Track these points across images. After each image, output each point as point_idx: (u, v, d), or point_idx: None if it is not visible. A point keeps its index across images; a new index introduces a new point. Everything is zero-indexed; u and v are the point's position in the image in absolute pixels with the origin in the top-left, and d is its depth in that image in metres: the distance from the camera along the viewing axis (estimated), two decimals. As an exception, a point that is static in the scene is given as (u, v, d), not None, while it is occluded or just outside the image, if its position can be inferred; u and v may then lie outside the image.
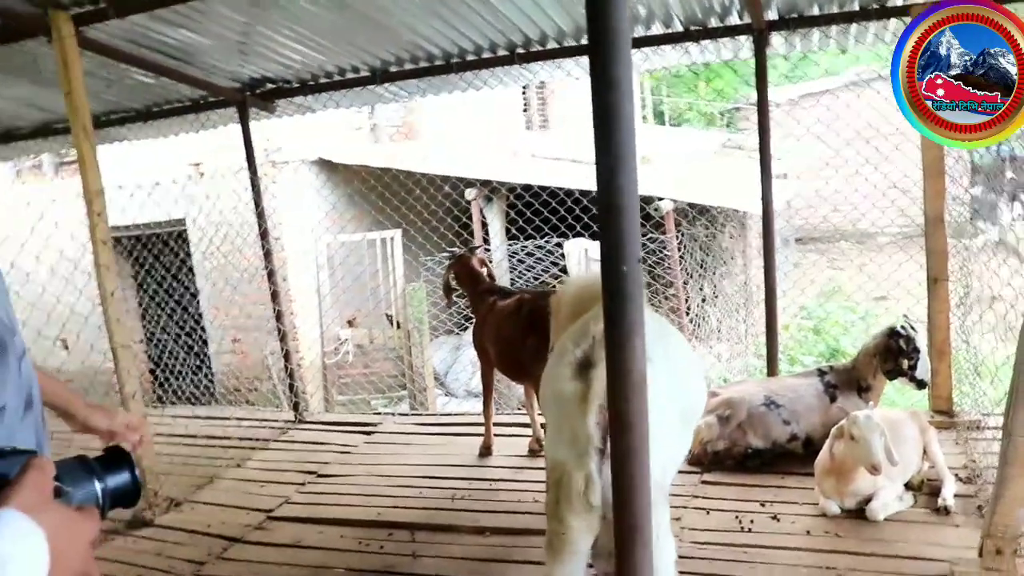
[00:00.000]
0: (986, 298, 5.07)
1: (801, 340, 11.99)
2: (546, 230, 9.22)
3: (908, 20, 4.84)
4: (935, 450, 4.32)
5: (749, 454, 4.78)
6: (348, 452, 5.97)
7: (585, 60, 5.74)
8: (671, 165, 11.41)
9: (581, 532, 2.77)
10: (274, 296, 6.61)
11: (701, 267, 11.07)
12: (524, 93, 16.02)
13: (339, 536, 4.62)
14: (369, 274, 10.30)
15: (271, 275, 6.56)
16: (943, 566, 3.52)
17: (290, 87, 6.25)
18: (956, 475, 4.31)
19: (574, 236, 9.41)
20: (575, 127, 15.42)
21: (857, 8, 5.04)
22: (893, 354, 4.74)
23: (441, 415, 7.16)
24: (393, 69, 5.96)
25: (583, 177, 9.05)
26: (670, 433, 2.84)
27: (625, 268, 1.72)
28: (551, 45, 5.64)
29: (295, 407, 6.80)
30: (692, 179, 10.61)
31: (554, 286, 5.86)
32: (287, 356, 6.78)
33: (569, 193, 9.03)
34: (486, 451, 5.56)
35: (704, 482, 4.71)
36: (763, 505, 4.36)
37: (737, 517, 4.24)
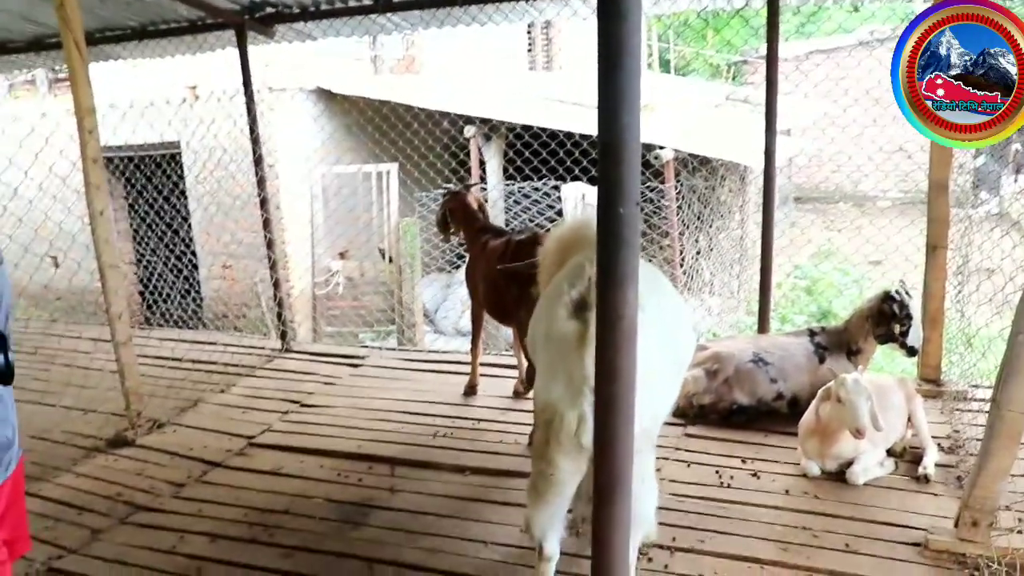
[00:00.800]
0: (984, 269, 5.03)
1: (793, 299, 12.00)
2: (544, 172, 9.11)
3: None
4: (920, 418, 4.32)
5: (734, 410, 4.78)
6: (333, 383, 5.96)
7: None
8: (675, 114, 11.27)
9: (569, 473, 2.78)
10: (266, 224, 6.52)
11: (698, 219, 10.99)
12: (529, 32, 15.74)
13: (319, 466, 4.63)
14: (363, 207, 10.20)
15: (264, 203, 6.46)
16: (918, 534, 3.54)
17: (290, 12, 6.06)
18: (939, 444, 4.32)
19: (572, 180, 9.30)
20: (579, 69, 15.20)
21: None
22: (886, 319, 4.70)
23: (428, 352, 7.13)
24: (396, -1, 5.80)
25: (585, 121, 8.93)
26: (661, 381, 2.84)
27: (622, 210, 1.66)
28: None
29: (282, 336, 6.76)
30: (695, 130, 10.48)
31: (547, 229, 5.82)
32: (277, 285, 6.72)
33: (569, 136, 8.91)
34: (471, 390, 5.56)
35: (687, 435, 4.72)
36: (744, 462, 4.37)
37: (718, 472, 4.25)
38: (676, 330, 3.05)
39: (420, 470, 4.51)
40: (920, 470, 4.08)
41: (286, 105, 9.84)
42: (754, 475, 4.22)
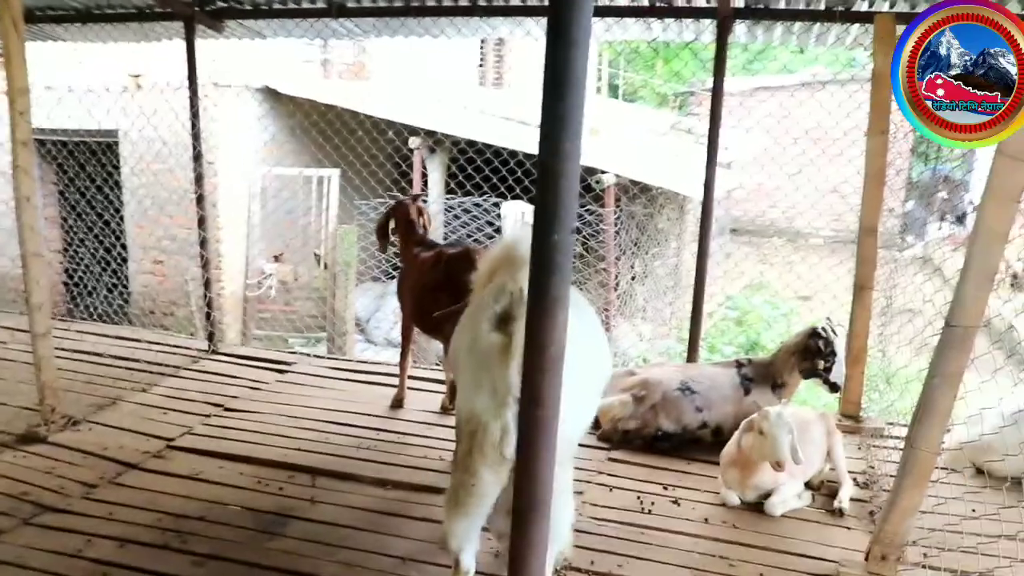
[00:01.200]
0: (907, 310, 5.19)
1: (724, 329, 12.18)
2: (486, 188, 9.09)
3: (871, 27, 4.88)
4: (838, 453, 4.42)
5: (659, 436, 4.82)
6: (258, 388, 5.84)
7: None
8: (619, 140, 11.39)
9: (490, 484, 2.81)
10: (201, 222, 6.37)
11: (635, 245, 11.10)
12: (481, 48, 15.76)
13: (238, 473, 4.53)
14: (302, 211, 10.06)
15: (200, 200, 6.30)
16: (830, 566, 3.64)
17: (241, 8, 5.97)
18: (855, 479, 4.43)
19: (513, 198, 9.32)
20: (528, 89, 15.29)
21: (823, 8, 5.04)
22: (811, 354, 4.81)
23: (357, 361, 7.03)
24: (351, 4, 5.76)
25: (530, 140, 8.93)
26: (580, 397, 2.87)
27: (556, 237, 1.67)
28: (515, 1, 5.52)
29: (210, 337, 6.61)
30: (639, 157, 10.58)
31: (484, 245, 5.83)
32: (208, 284, 6.57)
33: (513, 154, 8.93)
34: (398, 403, 5.50)
35: (611, 459, 4.74)
36: (666, 488, 4.41)
37: (639, 497, 4.28)
38: (595, 348, 3.14)
39: (341, 482, 4.45)
40: (835, 504, 4.18)
41: (231, 102, 9.66)
42: (675, 502, 4.26)
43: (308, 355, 6.98)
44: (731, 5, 5.09)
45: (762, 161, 16.06)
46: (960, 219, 17.90)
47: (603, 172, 8.40)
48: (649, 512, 4.15)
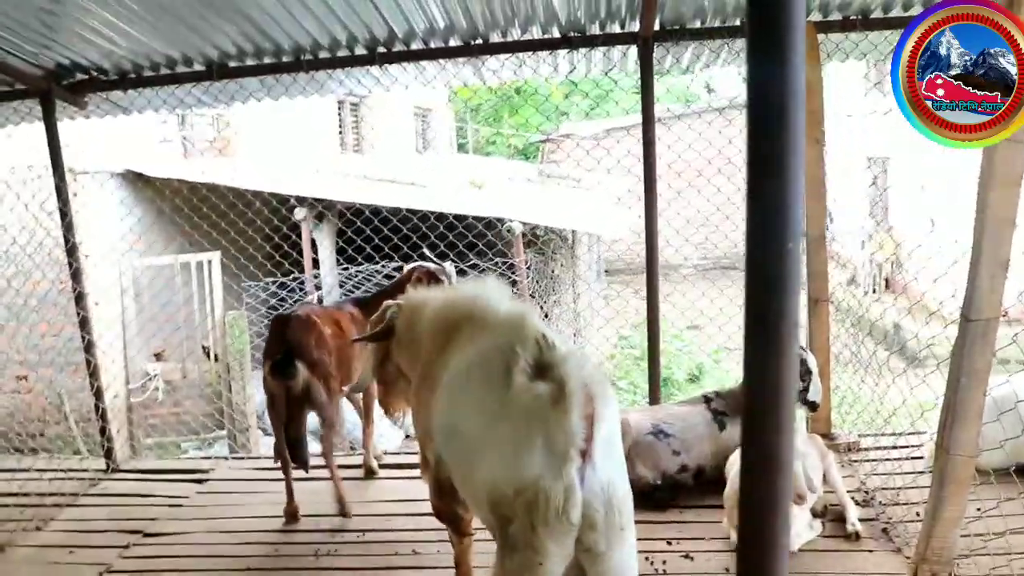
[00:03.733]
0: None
1: (628, 369, 12.11)
2: (387, 252, 8.62)
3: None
4: (835, 474, 4.27)
5: (644, 489, 4.46)
6: (179, 505, 5.06)
7: (452, 64, 5.34)
8: (504, 191, 11.21)
9: (558, 560, 2.45)
10: (83, 323, 5.55)
11: (532, 296, 10.85)
12: (339, 113, 15.38)
13: (183, 611, 3.83)
14: (182, 301, 9.22)
15: (80, 298, 5.53)
16: (875, 595, 3.38)
17: (106, 79, 5.26)
18: (852, 498, 4.22)
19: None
20: (391, 151, 15.14)
21: (739, 23, 4.91)
22: (787, 376, 4.60)
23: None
24: (233, 64, 5.22)
25: (417, 199, 8.65)
26: None
27: (791, 246, 1.29)
28: (416, 45, 5.15)
29: (107, 453, 5.74)
30: (531, 204, 10.40)
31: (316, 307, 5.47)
32: (99, 393, 5.72)
33: (398, 215, 8.59)
34: (291, 517, 4.80)
35: (599, 523, 4.33)
36: (670, 543, 4.07)
37: (648, 558, 3.88)
38: None
39: (312, 599, 3.84)
40: (849, 528, 3.99)
41: (91, 190, 8.79)
42: (686, 556, 3.94)
43: (226, 458, 6.23)
44: (652, 28, 4.87)
45: (627, 200, 16.29)
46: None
47: (509, 220, 8.07)
48: (665, 573, 3.78)
